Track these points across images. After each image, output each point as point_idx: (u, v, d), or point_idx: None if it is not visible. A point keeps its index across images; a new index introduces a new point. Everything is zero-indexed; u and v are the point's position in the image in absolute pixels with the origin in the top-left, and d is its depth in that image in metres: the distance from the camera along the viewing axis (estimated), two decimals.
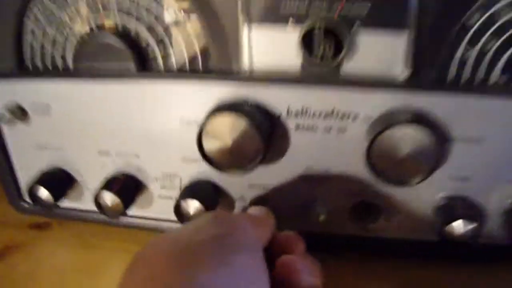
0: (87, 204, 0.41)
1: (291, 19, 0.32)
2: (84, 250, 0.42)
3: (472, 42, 0.32)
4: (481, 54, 0.32)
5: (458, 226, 0.34)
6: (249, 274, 0.23)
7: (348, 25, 0.32)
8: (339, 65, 0.32)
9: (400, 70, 0.32)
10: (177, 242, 0.24)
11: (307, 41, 0.32)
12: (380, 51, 0.32)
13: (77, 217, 0.44)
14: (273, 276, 0.26)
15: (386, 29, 0.31)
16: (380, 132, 0.31)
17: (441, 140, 0.31)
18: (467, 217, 0.34)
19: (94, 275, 0.39)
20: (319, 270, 0.28)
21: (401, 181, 0.33)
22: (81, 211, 0.43)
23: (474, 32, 0.32)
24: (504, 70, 0.32)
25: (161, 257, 0.23)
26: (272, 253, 0.28)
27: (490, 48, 0.32)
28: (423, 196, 0.36)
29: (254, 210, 0.34)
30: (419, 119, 0.31)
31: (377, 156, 0.32)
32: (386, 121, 0.32)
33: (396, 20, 0.31)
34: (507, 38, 0.31)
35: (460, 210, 0.34)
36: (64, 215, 0.44)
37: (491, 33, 0.32)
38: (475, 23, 0.31)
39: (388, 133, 0.31)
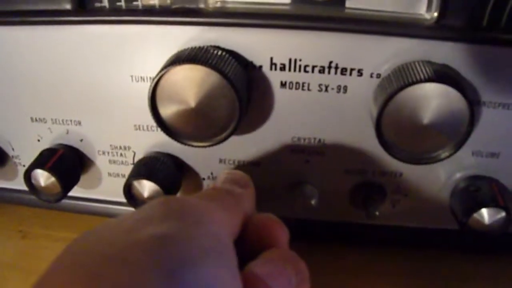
0: (23, 184, 0.36)
1: None
2: (22, 242, 0.38)
3: None
4: None
5: (486, 215, 0.30)
6: None
7: None
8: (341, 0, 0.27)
9: (423, 12, 0.27)
10: (96, 247, 0.17)
11: None
12: None
13: (11, 200, 0.39)
14: None
15: None
16: (393, 94, 0.26)
17: (472, 104, 0.26)
18: (498, 204, 0.29)
19: (32, 272, 0.35)
20: (306, 274, 0.22)
21: (421, 158, 0.28)
22: (17, 192, 0.38)
23: None
24: None
25: (67, 275, 0.16)
26: (245, 239, 0.23)
27: None
28: (437, 176, 0.32)
29: (225, 179, 0.27)
30: (446, 76, 0.26)
31: (389, 125, 0.27)
32: (401, 79, 0.26)
33: None
34: None
35: (488, 194, 0.30)
36: None
37: None
38: None
39: (403, 94, 0.26)
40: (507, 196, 0.31)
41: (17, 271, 0.35)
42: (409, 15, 0.27)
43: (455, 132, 0.27)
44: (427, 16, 0.27)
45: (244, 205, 0.24)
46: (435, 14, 0.26)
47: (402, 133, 0.27)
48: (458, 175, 0.32)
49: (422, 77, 0.26)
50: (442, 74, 0.26)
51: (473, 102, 0.27)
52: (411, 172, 0.32)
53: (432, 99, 0.26)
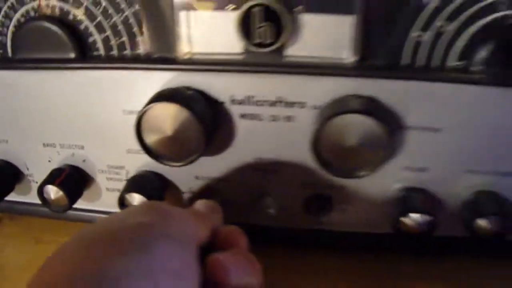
0: (35, 198, 0.39)
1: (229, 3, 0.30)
2: (35, 247, 0.41)
3: (425, 25, 0.29)
4: (436, 37, 0.30)
5: (413, 219, 0.33)
6: (172, 267, 0.22)
7: (290, 5, 0.29)
8: (280, 50, 0.30)
9: (347, 55, 0.30)
10: (97, 230, 0.23)
11: (245, 24, 0.30)
12: (325, 34, 0.30)
13: (26, 211, 0.42)
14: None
15: (331, 10, 0.29)
16: (325, 121, 0.30)
17: (392, 129, 0.30)
18: (423, 210, 0.33)
19: None
20: (258, 268, 0.26)
21: (348, 173, 0.32)
22: (30, 204, 0.42)
23: (428, 13, 0.29)
24: (461, 54, 0.30)
25: (73, 248, 0.22)
26: (214, 246, 0.27)
27: (445, 31, 0.29)
28: (377, 188, 0.35)
29: (200, 205, 0.32)
30: (368, 107, 0.30)
31: (323, 147, 0.31)
32: (334, 109, 0.30)
33: (341, 1, 0.29)
34: (464, 19, 0.29)
35: (415, 202, 0.33)
36: (13, 209, 0.43)
37: (446, 15, 0.29)
38: (429, 3, 0.29)
39: (335, 122, 0.30)
40: (434, 203, 0.34)
41: (32, 272, 0.38)
42: (336, 59, 0.30)
43: (377, 153, 0.30)
44: (351, 59, 0.30)
45: (212, 220, 0.29)
46: (358, 57, 0.30)
47: (334, 153, 0.31)
48: (394, 186, 0.34)
49: (349, 108, 0.29)
50: (365, 106, 0.30)
51: (394, 128, 0.30)
52: (353, 185, 0.34)
53: (357, 126, 0.29)
